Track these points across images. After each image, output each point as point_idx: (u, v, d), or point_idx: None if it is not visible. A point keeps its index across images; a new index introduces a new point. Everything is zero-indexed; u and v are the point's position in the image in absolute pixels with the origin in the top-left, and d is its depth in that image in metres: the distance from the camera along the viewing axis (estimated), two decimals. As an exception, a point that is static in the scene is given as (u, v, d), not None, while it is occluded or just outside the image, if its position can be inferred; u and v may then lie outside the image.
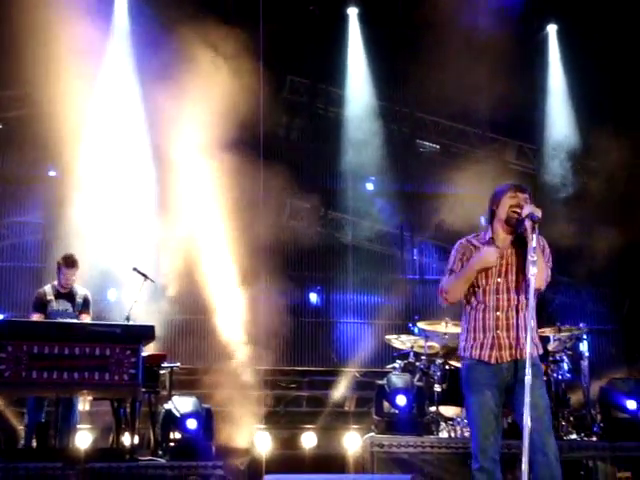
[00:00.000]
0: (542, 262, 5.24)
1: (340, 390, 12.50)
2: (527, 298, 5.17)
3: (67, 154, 11.80)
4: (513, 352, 5.24)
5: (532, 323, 5.19)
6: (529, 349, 5.03)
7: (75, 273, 8.86)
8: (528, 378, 4.94)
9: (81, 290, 8.95)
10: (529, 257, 5.11)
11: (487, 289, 5.36)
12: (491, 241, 5.42)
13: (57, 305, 8.75)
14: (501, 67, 13.22)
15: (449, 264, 5.50)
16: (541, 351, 5.43)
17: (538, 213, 5.21)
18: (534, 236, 5.16)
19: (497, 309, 5.32)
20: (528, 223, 5.18)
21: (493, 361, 5.28)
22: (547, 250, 5.41)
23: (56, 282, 8.88)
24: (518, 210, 5.30)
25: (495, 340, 5.29)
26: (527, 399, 4.90)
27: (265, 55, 12.76)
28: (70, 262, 8.85)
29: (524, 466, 4.84)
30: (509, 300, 5.31)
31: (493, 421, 5.25)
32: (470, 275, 5.32)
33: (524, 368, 5.04)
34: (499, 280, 5.34)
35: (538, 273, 5.11)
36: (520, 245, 5.33)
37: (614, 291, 13.82)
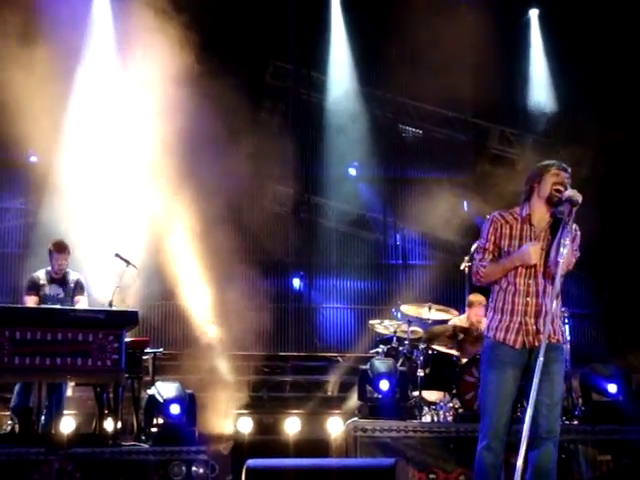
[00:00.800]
0: (570, 249, 5.13)
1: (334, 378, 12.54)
2: (551, 283, 5.14)
3: (48, 139, 11.74)
4: (539, 338, 5.18)
5: (556, 308, 5.19)
6: (546, 333, 5.02)
7: (67, 258, 8.87)
8: (540, 360, 4.92)
9: (73, 275, 8.96)
10: (561, 241, 5.07)
11: (519, 272, 5.27)
12: (528, 218, 5.34)
13: (50, 290, 8.76)
14: (483, 52, 13.24)
15: (482, 241, 5.39)
16: (563, 339, 5.42)
17: (579, 198, 5.14)
18: (570, 220, 5.10)
19: (527, 294, 5.25)
20: (567, 207, 5.12)
21: (518, 346, 5.22)
22: (578, 239, 5.32)
23: (49, 268, 8.89)
24: (561, 189, 5.23)
25: (522, 326, 5.24)
26: (535, 380, 4.90)
27: (247, 39, 12.75)
28: (61, 247, 8.86)
29: (521, 450, 4.86)
30: (537, 285, 5.25)
31: (509, 402, 5.22)
32: (510, 267, 5.24)
33: (547, 352, 5.03)
34: (533, 265, 5.26)
35: (564, 258, 5.06)
36: (554, 230, 5.26)
37: (595, 275, 13.87)
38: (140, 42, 11.79)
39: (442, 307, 9.97)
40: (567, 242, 5.05)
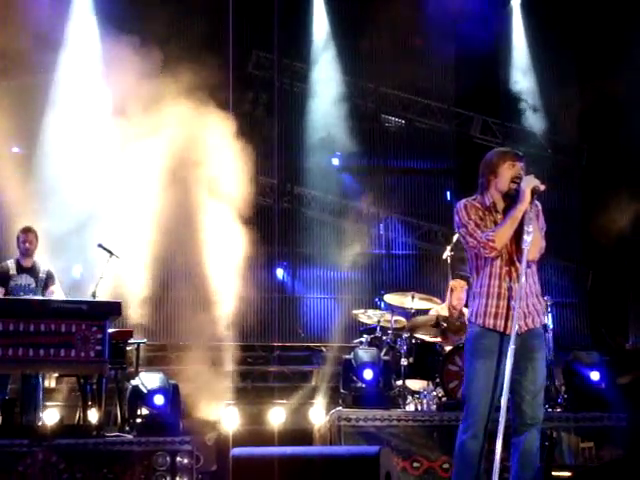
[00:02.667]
0: (538, 233, 5.19)
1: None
2: (527, 267, 5.14)
3: (31, 130, 11.69)
4: (526, 322, 5.19)
5: (530, 292, 5.22)
6: (516, 320, 5.04)
7: (32, 239, 8.75)
8: (512, 347, 4.95)
9: (44, 265, 8.87)
10: (525, 228, 5.10)
11: (501, 257, 5.25)
12: (493, 206, 5.33)
13: (20, 280, 8.66)
14: (465, 41, 13.27)
15: (468, 223, 5.28)
16: (545, 321, 5.43)
17: (541, 187, 5.18)
18: (532, 207, 5.13)
19: (510, 279, 5.23)
20: (528, 194, 5.12)
21: (509, 332, 5.16)
22: (541, 217, 5.36)
23: (18, 256, 8.82)
24: (518, 182, 5.22)
25: (510, 311, 5.19)
26: (508, 367, 4.94)
27: (230, 30, 12.71)
28: (25, 228, 8.79)
29: (499, 435, 4.90)
30: (518, 270, 5.21)
31: (496, 390, 5.19)
32: (518, 215, 5.16)
33: (532, 338, 5.12)
34: (511, 248, 5.26)
35: (532, 246, 5.10)
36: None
37: (578, 264, 13.95)
38: (121, 32, 11.75)
39: (425, 296, 10.00)
40: (531, 229, 5.09)
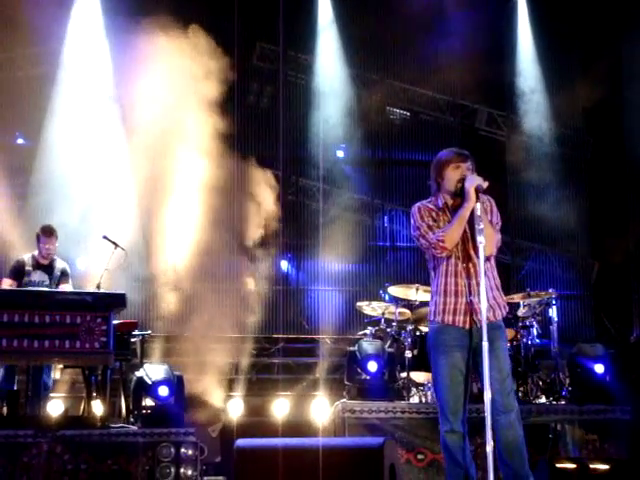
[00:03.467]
0: (490, 229, 5.28)
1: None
2: (484, 263, 5.18)
3: (36, 121, 11.69)
4: (487, 315, 5.19)
5: (490, 286, 5.28)
6: (484, 315, 5.09)
7: (54, 243, 8.84)
8: (485, 344, 5.01)
9: (60, 263, 8.94)
10: (476, 226, 5.17)
11: (455, 255, 5.36)
12: (445, 206, 5.43)
13: (34, 276, 8.71)
14: (471, 33, 13.23)
15: (420, 226, 5.42)
16: (505, 313, 5.48)
17: (483, 184, 5.26)
18: (478, 205, 5.20)
19: (468, 276, 5.33)
20: (472, 194, 5.21)
21: (468, 326, 5.29)
22: (495, 210, 5.45)
23: (36, 252, 8.86)
24: (463, 182, 5.32)
25: (469, 306, 5.31)
26: (485, 363, 4.99)
27: (235, 22, 12.69)
28: (48, 231, 8.83)
29: (488, 430, 4.92)
30: (475, 266, 5.31)
31: (462, 383, 5.31)
32: (466, 214, 5.25)
33: (493, 330, 5.18)
34: (464, 246, 5.36)
35: (487, 241, 5.16)
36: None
37: (583, 257, 13.93)
38: (125, 24, 11.74)
39: (429, 288, 9.98)
40: (481, 226, 5.14)
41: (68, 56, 12.12)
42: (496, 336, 5.28)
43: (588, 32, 13.39)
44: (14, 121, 11.75)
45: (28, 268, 8.74)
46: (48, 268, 8.82)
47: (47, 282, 8.74)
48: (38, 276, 8.74)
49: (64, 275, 8.88)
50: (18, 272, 8.72)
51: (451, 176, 5.39)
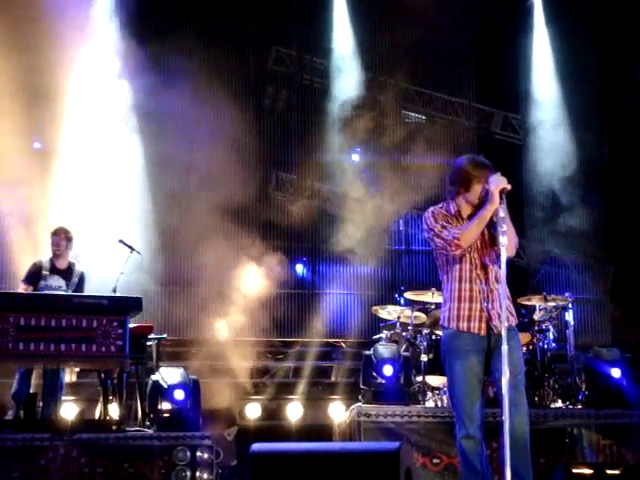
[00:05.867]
0: (512, 230, 5.27)
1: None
2: (500, 267, 5.17)
3: (53, 126, 11.74)
4: (499, 323, 5.21)
5: (505, 294, 5.25)
6: (504, 318, 5.08)
7: (62, 240, 8.78)
8: (505, 347, 4.99)
9: (79, 267, 8.90)
10: (499, 228, 5.14)
11: (469, 260, 5.35)
12: (458, 213, 5.43)
13: (51, 281, 8.67)
14: (487, 36, 13.21)
15: (433, 224, 5.40)
16: (516, 321, 5.47)
17: (508, 187, 5.24)
18: (502, 206, 5.18)
19: (481, 281, 5.33)
20: (497, 196, 5.18)
21: (483, 333, 5.29)
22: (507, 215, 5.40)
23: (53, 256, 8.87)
24: (486, 187, 5.29)
25: (484, 312, 5.30)
26: (505, 367, 4.97)
27: (250, 26, 12.71)
28: (55, 230, 8.83)
29: (505, 433, 4.90)
30: (488, 272, 5.33)
31: (478, 387, 5.30)
32: (487, 215, 5.23)
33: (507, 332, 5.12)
34: (478, 252, 5.36)
35: (508, 243, 5.14)
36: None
37: (600, 261, 13.88)
38: (142, 28, 11.79)
39: (444, 293, 9.97)
40: (505, 228, 5.12)
41: (86, 62, 12.15)
42: (510, 336, 5.24)
43: (605, 34, 13.35)
44: (31, 126, 11.79)
45: (45, 272, 8.72)
46: (65, 273, 8.79)
47: (64, 287, 8.69)
48: (55, 281, 8.71)
49: (81, 282, 8.84)
50: (34, 276, 8.71)
51: (478, 190, 5.36)
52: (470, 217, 5.37)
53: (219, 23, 12.57)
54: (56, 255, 8.79)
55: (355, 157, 14.48)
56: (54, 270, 8.76)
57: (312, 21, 13.83)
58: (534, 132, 13.91)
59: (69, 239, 8.85)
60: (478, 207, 5.34)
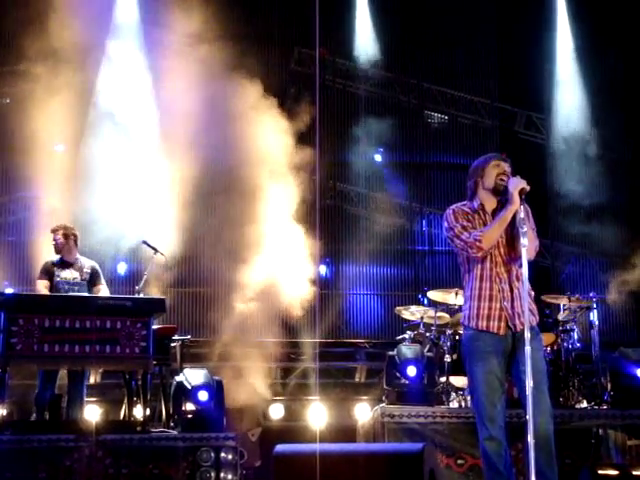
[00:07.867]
0: (531, 233, 5.23)
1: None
2: (520, 267, 5.16)
3: (74, 129, 11.79)
4: (521, 321, 5.18)
5: (531, 293, 5.24)
6: (527, 318, 5.03)
7: (58, 237, 8.67)
8: (528, 349, 4.95)
9: (87, 262, 8.83)
10: (519, 229, 5.13)
11: (490, 259, 5.34)
12: (481, 208, 5.43)
13: (64, 273, 8.62)
14: (509, 36, 13.17)
15: (453, 223, 5.41)
16: (537, 320, 5.44)
17: (527, 187, 5.24)
18: (522, 207, 5.17)
19: (500, 280, 5.31)
20: (517, 196, 5.18)
21: (502, 332, 5.28)
22: (530, 215, 5.36)
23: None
24: (504, 178, 5.33)
25: (503, 311, 5.28)
26: (528, 369, 4.92)
27: (273, 27, 12.74)
28: (53, 228, 8.80)
29: (530, 434, 4.87)
30: (509, 271, 5.32)
31: (499, 389, 5.28)
32: (508, 216, 5.23)
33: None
34: (499, 250, 5.35)
35: (529, 244, 5.11)
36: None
37: (624, 260, 13.78)
38: (165, 32, 11.82)
39: (467, 293, 9.94)
40: (525, 229, 5.10)
41: (109, 64, 12.21)
42: (531, 336, 5.20)
43: (628, 32, 13.27)
44: (54, 128, 11.85)
45: (56, 268, 8.69)
46: (75, 265, 8.71)
47: (78, 279, 8.65)
48: (68, 273, 8.64)
49: (96, 275, 8.77)
50: (48, 272, 8.68)
51: (491, 172, 5.40)
52: (493, 212, 5.37)
53: (241, 24, 12.57)
54: (55, 250, 8.75)
55: (378, 157, 14.47)
56: (65, 265, 8.70)
57: (335, 21, 13.83)
58: (558, 131, 13.85)
59: (67, 235, 8.76)
60: (497, 194, 5.36)
